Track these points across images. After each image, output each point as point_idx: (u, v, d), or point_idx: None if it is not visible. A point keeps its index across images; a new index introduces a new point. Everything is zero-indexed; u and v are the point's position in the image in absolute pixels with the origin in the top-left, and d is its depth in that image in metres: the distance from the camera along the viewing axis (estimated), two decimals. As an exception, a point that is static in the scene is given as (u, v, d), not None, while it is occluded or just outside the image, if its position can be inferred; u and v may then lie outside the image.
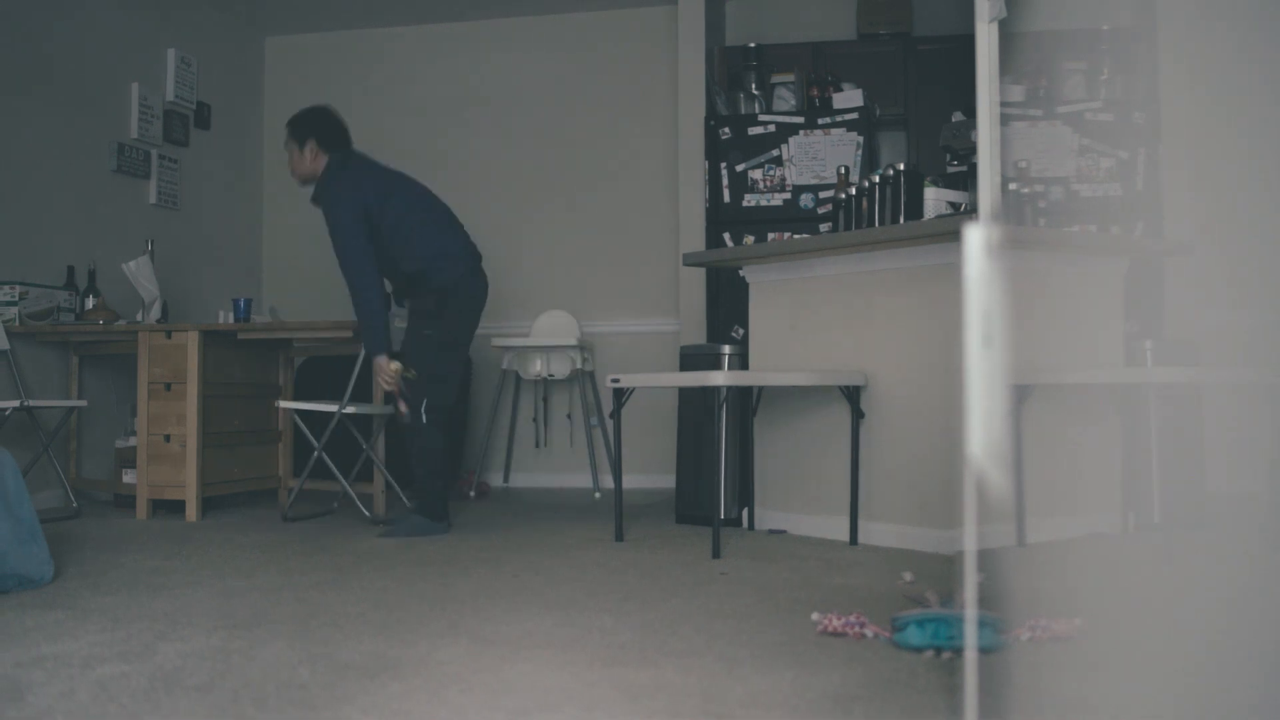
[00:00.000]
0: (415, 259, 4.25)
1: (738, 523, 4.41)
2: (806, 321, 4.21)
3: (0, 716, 1.86)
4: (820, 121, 5.51)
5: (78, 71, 5.48)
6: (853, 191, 4.45)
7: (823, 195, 5.44)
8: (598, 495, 5.84)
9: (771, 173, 5.54)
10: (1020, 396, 3.63)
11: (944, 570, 3.23)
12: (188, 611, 2.74)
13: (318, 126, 4.34)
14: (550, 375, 6.07)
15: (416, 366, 4.20)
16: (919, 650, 2.22)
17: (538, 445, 6.44)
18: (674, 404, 4.82)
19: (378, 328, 4.20)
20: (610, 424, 5.47)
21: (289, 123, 4.41)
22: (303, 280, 6.93)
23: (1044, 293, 3.91)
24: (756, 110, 5.71)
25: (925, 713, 1.86)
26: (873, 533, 3.88)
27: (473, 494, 5.75)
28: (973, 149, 4.35)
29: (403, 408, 4.21)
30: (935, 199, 4.17)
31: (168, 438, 4.72)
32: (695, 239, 5.74)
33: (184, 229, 6.19)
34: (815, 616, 2.49)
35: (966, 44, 3.82)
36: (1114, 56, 5.31)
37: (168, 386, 4.73)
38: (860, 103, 5.51)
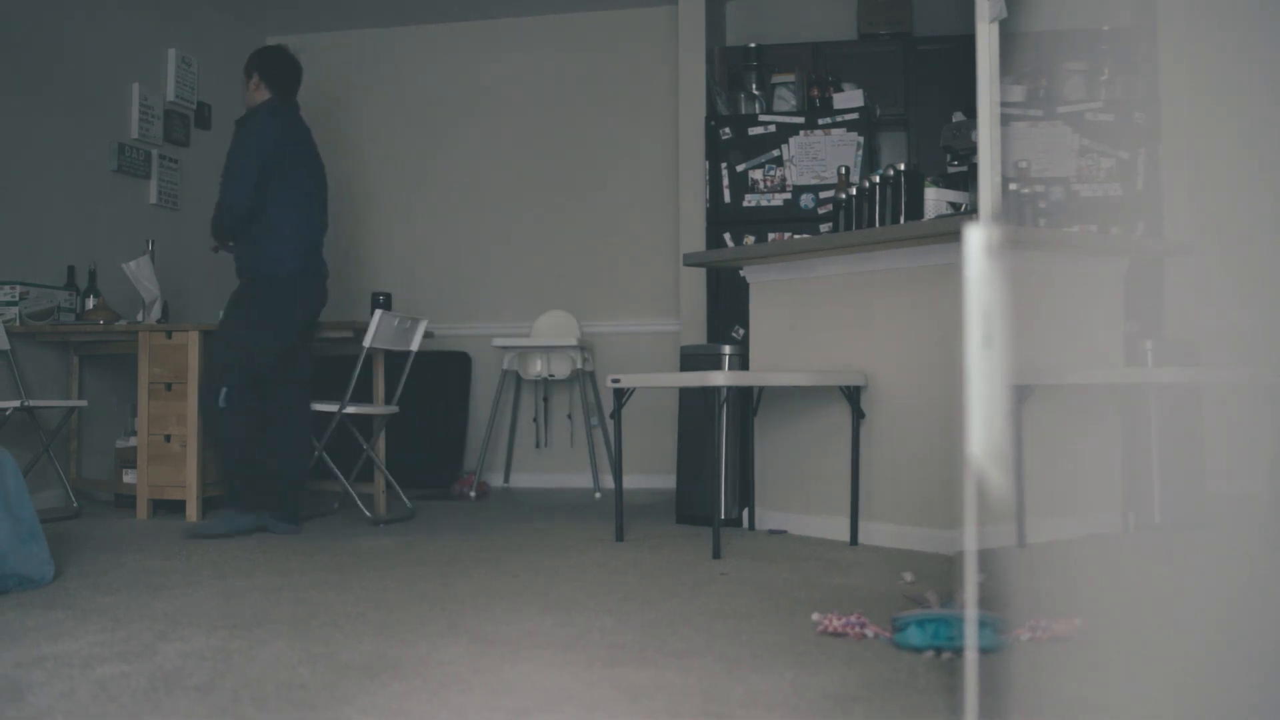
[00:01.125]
0: (263, 231, 4.34)
1: (738, 523, 4.41)
2: (807, 321, 4.21)
3: (1, 716, 1.87)
4: (820, 122, 5.51)
5: (78, 72, 5.48)
6: (853, 192, 4.45)
7: (823, 195, 5.44)
8: (598, 495, 5.84)
9: (772, 173, 5.54)
10: (1020, 396, 3.64)
11: (944, 570, 3.23)
12: (188, 611, 2.74)
13: (265, 63, 4.51)
14: (550, 375, 6.07)
15: (218, 347, 4.39)
16: (919, 650, 2.22)
17: (538, 445, 6.44)
18: (674, 404, 4.82)
19: (220, 232, 4.47)
20: (610, 424, 5.47)
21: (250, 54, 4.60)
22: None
23: (1044, 293, 3.91)
24: (757, 110, 5.71)
25: (925, 713, 1.86)
26: (873, 533, 3.88)
27: (473, 494, 5.75)
28: (973, 149, 4.34)
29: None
30: (935, 199, 4.17)
31: (168, 438, 4.72)
32: (695, 239, 5.74)
33: (184, 229, 6.18)
34: (815, 617, 2.49)
35: (967, 44, 3.82)
36: (1114, 57, 5.31)
37: (168, 386, 4.73)
38: (860, 103, 5.51)
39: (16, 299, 4.99)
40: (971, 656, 1.42)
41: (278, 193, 4.33)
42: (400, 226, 6.81)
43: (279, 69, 4.50)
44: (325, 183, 4.59)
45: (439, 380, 6.31)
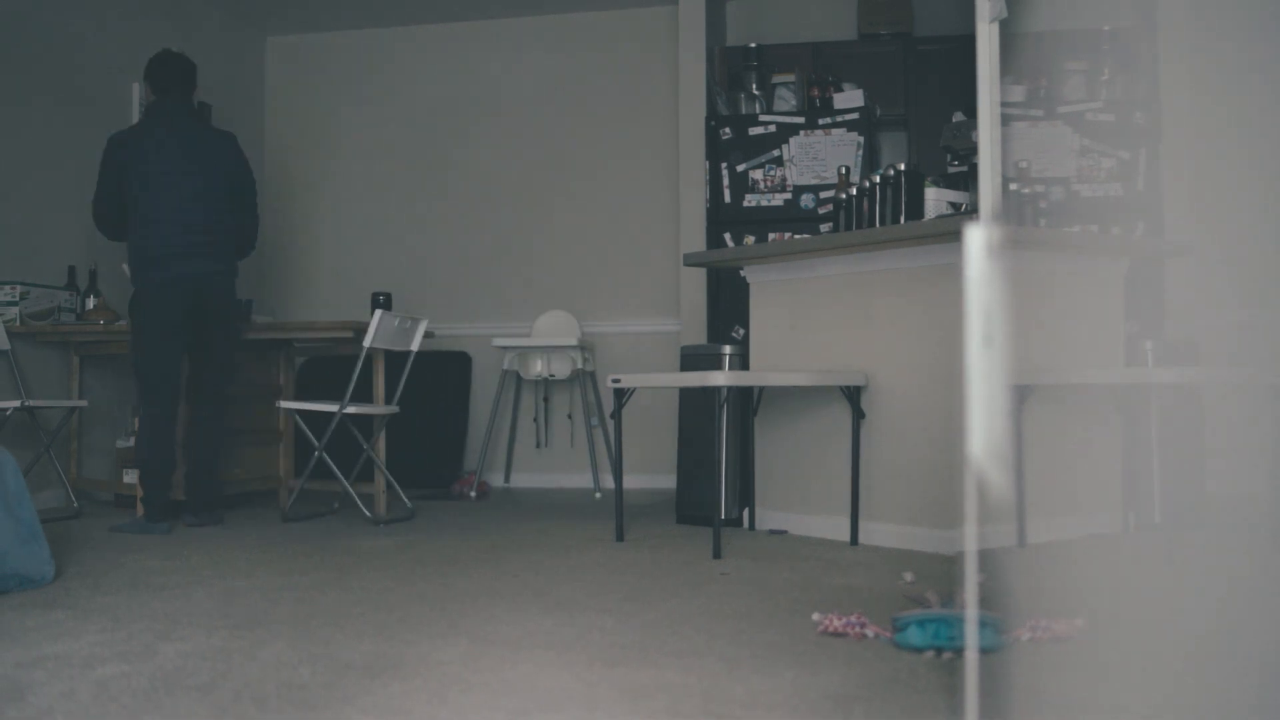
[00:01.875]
0: (129, 242, 4.46)
1: (738, 523, 4.41)
2: (807, 321, 4.21)
3: (1, 716, 1.87)
4: (821, 121, 5.51)
5: (78, 71, 5.48)
6: (853, 192, 4.45)
7: (823, 195, 5.44)
8: (598, 495, 5.84)
9: (772, 173, 5.55)
10: (1020, 396, 3.64)
11: (944, 570, 3.24)
12: (188, 611, 2.74)
13: (150, 70, 4.58)
14: (551, 375, 6.07)
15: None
16: (919, 650, 2.22)
17: (538, 445, 6.45)
18: (674, 404, 4.82)
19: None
20: (611, 424, 5.47)
21: None
22: (303, 280, 6.94)
23: (1044, 293, 3.91)
24: (757, 110, 5.71)
25: (925, 713, 1.86)
26: (873, 533, 3.88)
27: (473, 494, 5.75)
28: (973, 149, 4.35)
29: None
30: (936, 199, 4.17)
31: (168, 438, 4.71)
32: (696, 239, 5.74)
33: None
34: (816, 617, 2.49)
35: (967, 44, 3.82)
36: (1114, 57, 5.31)
37: (168, 386, 4.72)
38: (861, 103, 5.51)
39: (17, 299, 4.99)
40: (971, 656, 1.42)
41: (138, 200, 4.37)
42: (400, 227, 6.81)
43: (155, 71, 4.53)
44: (217, 181, 4.47)
45: (439, 380, 6.31)
